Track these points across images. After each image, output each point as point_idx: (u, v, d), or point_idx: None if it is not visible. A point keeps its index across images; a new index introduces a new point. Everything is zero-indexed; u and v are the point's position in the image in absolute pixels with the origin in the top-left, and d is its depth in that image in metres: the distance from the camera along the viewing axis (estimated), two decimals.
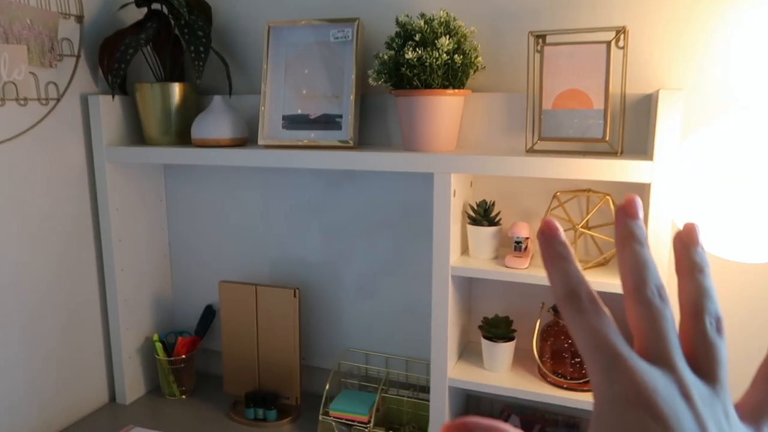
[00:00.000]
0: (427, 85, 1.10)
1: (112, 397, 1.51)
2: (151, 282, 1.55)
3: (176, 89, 1.37)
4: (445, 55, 1.07)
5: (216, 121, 1.30)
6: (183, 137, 1.40)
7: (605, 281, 1.04)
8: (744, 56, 1.06)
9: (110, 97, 1.37)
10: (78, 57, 1.33)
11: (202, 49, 1.32)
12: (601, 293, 0.98)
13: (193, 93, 1.41)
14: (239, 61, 1.44)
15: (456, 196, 1.13)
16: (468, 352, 1.28)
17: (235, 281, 1.45)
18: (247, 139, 1.35)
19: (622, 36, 1.04)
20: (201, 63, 1.32)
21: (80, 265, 1.40)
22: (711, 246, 0.87)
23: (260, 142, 1.29)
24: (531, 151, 1.13)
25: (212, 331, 1.58)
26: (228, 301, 1.44)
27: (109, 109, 1.38)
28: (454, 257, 1.15)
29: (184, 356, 1.49)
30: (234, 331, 1.45)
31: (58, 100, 1.30)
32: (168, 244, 1.60)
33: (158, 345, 1.49)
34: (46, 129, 1.29)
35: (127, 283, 1.46)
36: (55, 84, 1.29)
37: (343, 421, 1.31)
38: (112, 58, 1.35)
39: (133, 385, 1.50)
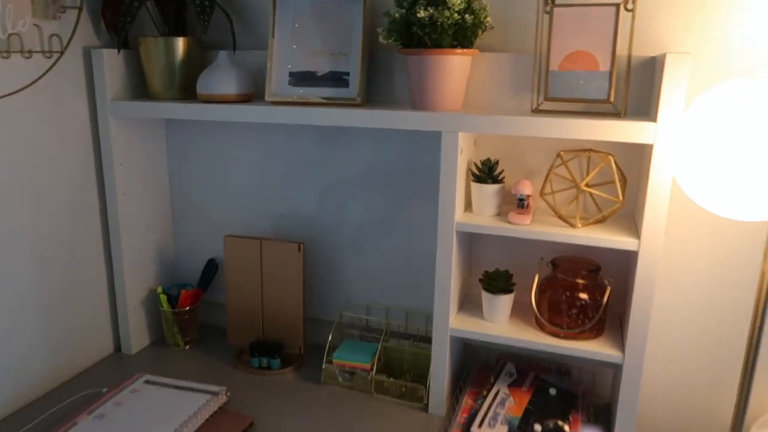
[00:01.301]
0: (438, 45, 1.12)
1: (117, 348, 1.54)
2: (154, 236, 1.57)
3: (180, 44, 1.37)
4: (456, 14, 1.09)
5: (222, 77, 1.30)
6: (187, 92, 1.40)
7: (602, 237, 1.09)
8: (749, 22, 1.10)
9: (114, 51, 1.36)
10: (80, 9, 1.31)
11: (207, 2, 1.31)
12: (597, 248, 1.05)
13: (197, 48, 1.40)
14: (242, 16, 1.43)
15: (462, 154, 1.17)
16: (468, 304, 1.34)
17: (240, 235, 1.48)
18: (253, 94, 1.36)
19: None
20: (206, 17, 1.31)
21: (85, 218, 1.42)
22: (709, 204, 0.93)
23: (267, 98, 1.30)
24: (536, 111, 1.16)
25: (214, 285, 1.61)
26: (233, 254, 1.47)
27: (112, 63, 1.37)
28: (458, 213, 1.19)
29: (188, 308, 1.53)
30: (238, 284, 1.48)
31: (62, 53, 1.29)
32: (170, 199, 1.61)
33: (162, 297, 1.52)
34: (50, 82, 1.28)
35: (131, 237, 1.48)
36: (59, 37, 1.28)
37: (346, 368, 1.37)
38: (116, 11, 1.34)
39: (137, 336, 1.54)
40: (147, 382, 1.32)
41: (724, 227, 1.20)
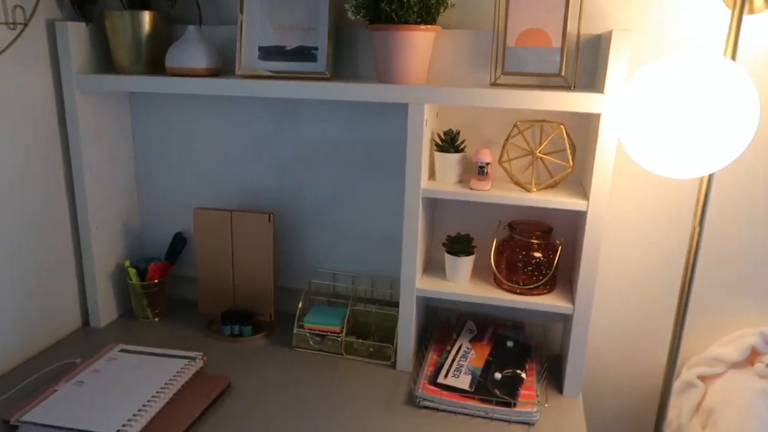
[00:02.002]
0: (404, 21, 1.19)
1: (86, 322, 1.56)
2: (120, 211, 1.58)
3: (147, 17, 1.38)
4: None
5: (192, 50, 1.33)
6: (154, 66, 1.42)
7: (554, 199, 1.20)
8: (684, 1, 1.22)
9: (78, 24, 1.36)
10: None
11: None
12: (550, 210, 1.16)
13: (163, 22, 1.42)
14: None
15: (427, 125, 1.24)
16: (431, 267, 1.43)
17: (210, 207, 1.51)
18: (221, 68, 1.39)
19: None
20: None
21: (51, 193, 1.42)
22: (648, 164, 1.04)
23: (238, 71, 1.33)
24: (494, 84, 1.25)
25: (182, 258, 1.64)
26: (203, 226, 1.50)
27: (77, 37, 1.37)
28: (424, 180, 1.27)
29: (156, 281, 1.56)
30: (209, 255, 1.52)
31: (25, 25, 1.29)
32: (135, 174, 1.62)
33: (131, 270, 1.54)
34: (15, 54, 1.28)
35: (98, 212, 1.49)
36: (22, 8, 1.27)
37: (317, 332, 1.44)
38: None
39: (106, 309, 1.56)
40: (123, 350, 1.35)
41: (662, 187, 1.33)
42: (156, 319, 1.59)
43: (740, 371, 1.29)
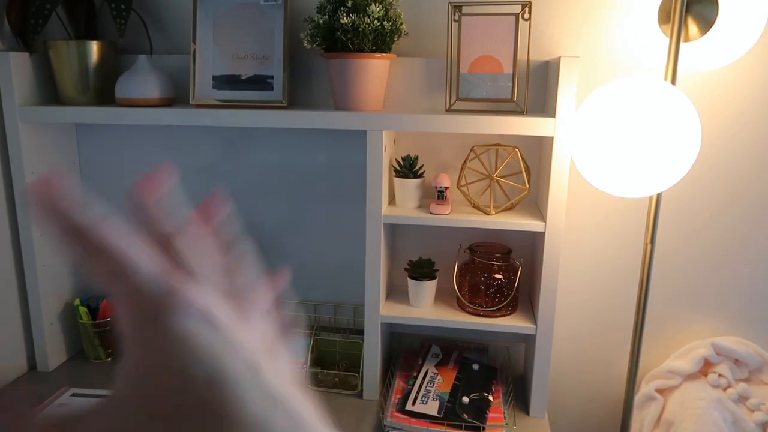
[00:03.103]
0: (359, 49, 1.20)
1: (32, 366, 1.47)
2: None
3: (94, 47, 1.35)
4: (376, 21, 1.18)
5: (143, 81, 1.30)
6: (102, 96, 1.38)
7: (513, 221, 1.22)
8: (628, 29, 1.28)
9: (20, 54, 1.31)
10: None
11: (123, 6, 1.30)
12: (508, 231, 1.18)
13: (111, 51, 1.39)
14: (156, 20, 1.43)
15: (385, 151, 1.25)
16: (393, 293, 1.43)
17: None
18: (173, 99, 1.37)
19: (527, 9, 1.21)
20: (123, 21, 1.31)
21: None
22: (601, 184, 1.08)
23: (192, 101, 1.31)
24: (450, 110, 1.28)
25: None
26: None
27: (20, 67, 1.32)
28: (384, 206, 1.28)
29: (109, 318, 1.49)
30: None
31: None
32: None
33: (82, 309, 1.48)
34: None
35: (45, 249, 1.43)
36: None
37: None
38: (24, 13, 1.30)
39: (55, 351, 1.48)
40: (74, 395, 1.28)
41: (614, 206, 1.38)
42: (109, 359, 1.52)
43: (695, 382, 1.34)
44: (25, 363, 1.46)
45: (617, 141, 1.01)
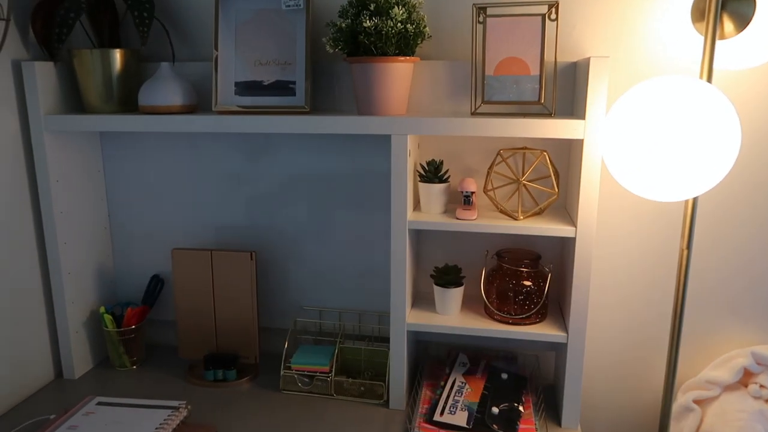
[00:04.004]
0: (383, 53, 1.18)
1: (59, 373, 1.48)
2: (93, 254, 1.52)
3: (117, 55, 1.35)
4: (399, 24, 1.16)
5: (166, 88, 1.30)
6: (126, 104, 1.38)
7: (542, 226, 1.19)
8: (659, 26, 1.24)
9: (45, 63, 1.32)
10: (8, 21, 1.26)
11: (146, 14, 1.30)
12: (537, 237, 1.15)
13: (134, 59, 1.39)
14: (179, 28, 1.43)
15: (410, 156, 1.23)
16: (419, 300, 1.40)
17: (189, 247, 1.47)
18: (197, 106, 1.36)
19: (554, 10, 1.18)
20: (146, 29, 1.30)
21: (20, 239, 1.36)
22: (635, 187, 1.04)
23: (214, 108, 1.30)
24: (475, 113, 1.25)
25: (160, 302, 1.58)
26: (181, 268, 1.45)
27: (45, 76, 1.33)
28: (409, 212, 1.25)
29: (134, 326, 1.49)
30: (188, 298, 1.47)
31: None
32: (108, 215, 1.57)
33: (107, 317, 1.48)
34: None
35: (70, 256, 1.43)
36: None
37: (305, 373, 1.39)
38: (47, 23, 1.31)
39: (80, 360, 1.48)
40: (100, 403, 1.28)
41: (647, 210, 1.33)
42: (134, 366, 1.52)
43: (734, 393, 1.28)
44: (51, 371, 1.47)
45: (652, 143, 0.97)
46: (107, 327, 1.48)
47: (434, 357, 1.49)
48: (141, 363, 1.53)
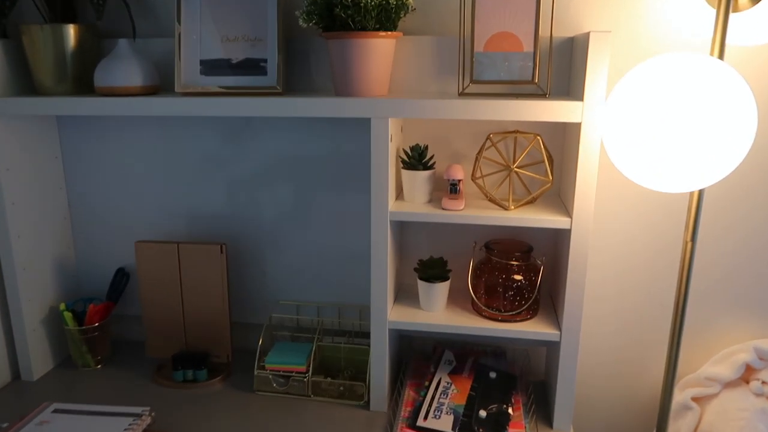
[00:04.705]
0: (361, 27, 1.08)
1: (16, 375, 1.38)
2: (52, 247, 1.41)
3: (71, 31, 1.23)
4: None
5: (124, 67, 1.18)
6: (82, 85, 1.26)
7: (535, 217, 1.10)
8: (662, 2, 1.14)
9: None
10: None
11: None
12: (525, 228, 1.05)
13: (90, 36, 1.26)
14: (142, 0, 1.31)
15: (391, 141, 1.13)
16: (402, 294, 1.31)
17: (154, 240, 1.36)
18: (159, 86, 1.24)
19: None
20: (101, 1, 1.18)
21: None
22: (636, 178, 0.95)
23: (178, 89, 1.19)
24: (463, 94, 1.15)
25: (126, 296, 1.48)
26: (146, 262, 1.35)
27: None
28: (391, 201, 1.16)
29: (97, 324, 1.39)
30: (154, 293, 1.37)
31: None
32: (68, 204, 1.46)
33: (67, 314, 1.37)
34: None
35: (25, 250, 1.32)
36: None
37: (280, 372, 1.30)
38: None
39: (39, 359, 1.38)
40: (57, 411, 1.18)
41: (648, 200, 1.25)
42: (98, 366, 1.42)
43: (735, 390, 1.22)
44: (8, 372, 1.36)
45: (658, 127, 0.88)
46: (68, 325, 1.38)
47: (419, 352, 1.41)
48: (106, 362, 1.43)
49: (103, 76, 1.19)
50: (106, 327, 1.42)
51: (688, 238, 1.04)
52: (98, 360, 1.42)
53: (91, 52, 1.27)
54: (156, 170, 1.40)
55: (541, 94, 1.12)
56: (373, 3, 1.05)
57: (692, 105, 0.85)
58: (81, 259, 1.49)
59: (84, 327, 1.38)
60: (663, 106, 0.87)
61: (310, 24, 1.10)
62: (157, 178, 1.41)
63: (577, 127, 1.06)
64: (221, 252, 1.32)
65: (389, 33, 1.10)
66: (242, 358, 1.41)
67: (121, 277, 1.47)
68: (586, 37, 1.01)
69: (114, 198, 1.44)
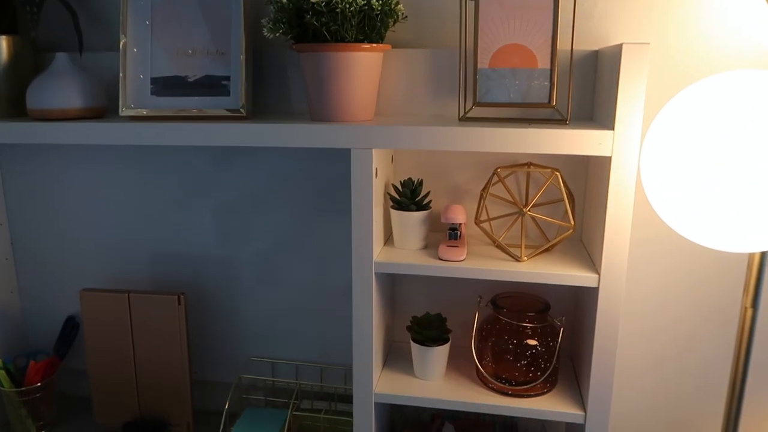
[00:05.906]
0: (340, 38, 0.88)
1: None
2: None
3: (3, 44, 1.04)
4: None
5: (61, 86, 0.99)
6: (17, 107, 1.08)
7: (551, 272, 0.89)
8: (717, 5, 0.94)
9: None
10: None
11: None
12: (544, 285, 0.78)
13: (27, 49, 1.08)
14: (91, 8, 1.12)
15: (377, 176, 0.92)
16: (394, 355, 1.10)
17: (101, 289, 1.16)
18: (105, 108, 1.06)
19: None
20: (35, 9, 1.00)
21: None
22: (684, 231, 0.74)
23: (122, 112, 1.00)
24: (465, 119, 0.94)
25: (77, 348, 1.29)
26: (93, 313, 1.15)
27: None
28: (377, 250, 0.95)
29: (39, 384, 1.19)
30: (103, 350, 1.17)
31: None
32: (10, 243, 1.27)
33: (1, 373, 1.18)
34: None
35: None
36: None
37: None
38: None
39: None
40: None
41: (690, 250, 1.03)
42: None
43: None
44: None
45: (718, 168, 0.67)
46: (3, 386, 1.18)
47: (414, 423, 1.19)
48: (50, 428, 1.23)
49: (35, 97, 1.00)
50: (49, 387, 1.22)
51: (749, 304, 0.82)
52: (40, 426, 1.22)
53: (28, 69, 1.08)
54: (111, 205, 1.21)
55: (560, 120, 0.91)
56: (352, 9, 0.85)
57: (763, 136, 0.64)
58: (27, 305, 1.30)
59: (23, 388, 1.18)
60: (726, 139, 0.66)
61: (277, 34, 0.90)
62: (113, 213, 1.21)
63: (605, 161, 0.85)
64: (179, 303, 1.12)
65: (374, 45, 0.90)
66: (207, 422, 1.20)
67: (72, 327, 1.27)
68: (616, 50, 0.81)
69: (63, 236, 1.24)
